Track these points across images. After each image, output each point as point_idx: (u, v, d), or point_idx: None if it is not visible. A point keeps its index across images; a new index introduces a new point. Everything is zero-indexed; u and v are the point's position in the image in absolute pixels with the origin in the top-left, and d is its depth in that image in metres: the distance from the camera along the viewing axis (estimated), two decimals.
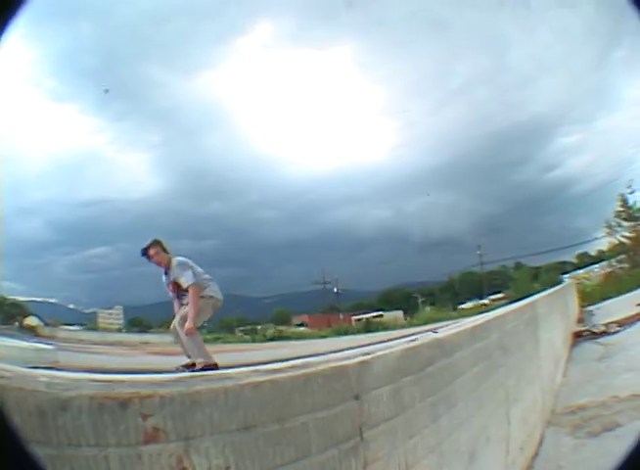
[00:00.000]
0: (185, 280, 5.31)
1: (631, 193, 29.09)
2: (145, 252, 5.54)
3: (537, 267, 38.29)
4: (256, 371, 1.10)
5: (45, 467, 0.92)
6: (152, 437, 0.89)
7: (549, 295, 6.79)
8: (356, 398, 1.32)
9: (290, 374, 1.14)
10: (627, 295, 15.47)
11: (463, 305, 40.99)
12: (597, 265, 31.24)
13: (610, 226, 29.88)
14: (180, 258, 5.52)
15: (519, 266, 40.57)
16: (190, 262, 5.50)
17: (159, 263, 5.52)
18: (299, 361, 1.26)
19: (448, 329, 2.27)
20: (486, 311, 5.37)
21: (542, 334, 4.79)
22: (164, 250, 5.57)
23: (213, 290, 5.53)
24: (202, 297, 5.31)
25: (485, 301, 39.22)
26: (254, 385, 1.04)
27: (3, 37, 1.36)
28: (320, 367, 1.23)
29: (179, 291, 5.46)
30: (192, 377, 1.00)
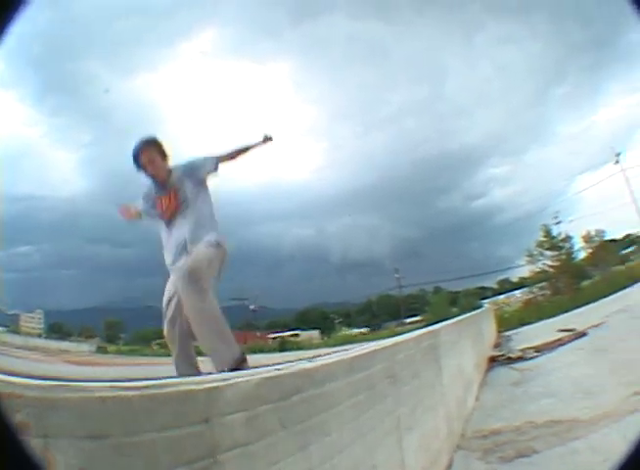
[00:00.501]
0: (210, 164, 3.87)
1: (557, 224, 31.79)
2: (137, 156, 3.76)
3: (457, 292, 40.53)
4: (111, 386, 1.32)
5: (45, 467, 1.09)
6: (22, 428, 1.12)
7: (458, 321, 7.23)
8: (206, 421, 1.54)
9: (138, 393, 1.35)
10: (547, 321, 16.52)
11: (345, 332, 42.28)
12: (518, 292, 33.24)
13: (531, 255, 32.22)
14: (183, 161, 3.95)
15: (437, 291, 42.68)
16: None
17: (154, 175, 3.83)
18: (156, 382, 1.46)
19: (326, 358, 2.53)
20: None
21: (447, 361, 5.16)
22: (164, 156, 3.86)
23: (222, 236, 3.81)
24: (211, 245, 3.61)
25: (363, 330, 40.87)
26: (102, 399, 1.26)
27: (3, 37, 1.41)
28: (169, 389, 1.45)
29: (178, 206, 3.73)
30: (54, 386, 1.22)
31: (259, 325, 47.53)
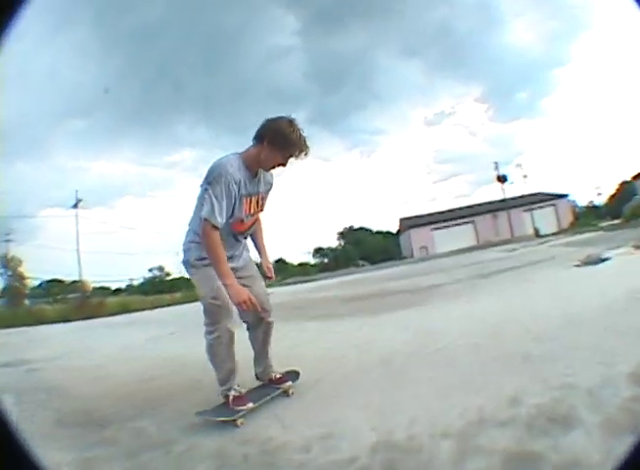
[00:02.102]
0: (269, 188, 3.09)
1: (7, 241, 32.77)
2: (300, 150, 2.79)
3: None
4: None
5: (45, 467, 1.18)
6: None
7: None
8: None
9: None
10: None
11: None
12: None
13: None
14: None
15: None
16: None
17: (261, 170, 2.92)
18: None
19: None
20: None
21: None
22: None
23: None
24: None
25: None
26: None
27: (3, 37, 1.46)
28: None
29: (255, 221, 3.07)
30: None
31: None
